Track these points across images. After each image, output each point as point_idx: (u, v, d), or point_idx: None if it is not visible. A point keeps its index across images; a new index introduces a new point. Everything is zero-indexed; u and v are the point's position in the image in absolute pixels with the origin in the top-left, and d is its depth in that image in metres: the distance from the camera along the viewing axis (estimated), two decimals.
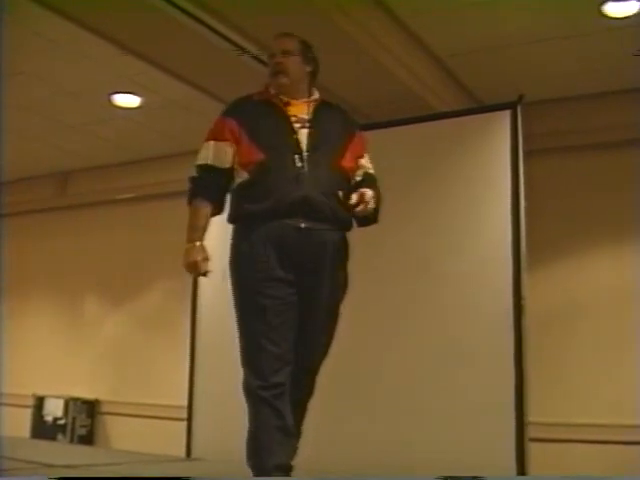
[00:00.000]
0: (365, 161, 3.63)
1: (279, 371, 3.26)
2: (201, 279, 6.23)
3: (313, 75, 3.65)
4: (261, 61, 5.52)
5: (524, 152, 5.29)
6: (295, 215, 3.31)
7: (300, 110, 3.50)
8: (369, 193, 3.37)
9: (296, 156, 3.35)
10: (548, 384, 6.12)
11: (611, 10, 5.30)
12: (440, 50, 5.95)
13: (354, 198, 3.33)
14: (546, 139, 6.51)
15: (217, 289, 6.19)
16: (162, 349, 8.35)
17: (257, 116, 3.50)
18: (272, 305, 3.31)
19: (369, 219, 3.50)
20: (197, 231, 3.70)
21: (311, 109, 3.52)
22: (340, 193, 3.39)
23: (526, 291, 5.11)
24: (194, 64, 5.81)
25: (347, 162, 3.50)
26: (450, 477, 3.79)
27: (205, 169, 3.52)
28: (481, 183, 5.49)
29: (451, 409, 5.14)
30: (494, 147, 5.39)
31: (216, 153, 3.47)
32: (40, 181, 9.29)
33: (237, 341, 5.92)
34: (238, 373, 5.42)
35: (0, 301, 8.70)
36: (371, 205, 3.37)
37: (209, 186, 3.56)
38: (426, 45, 5.87)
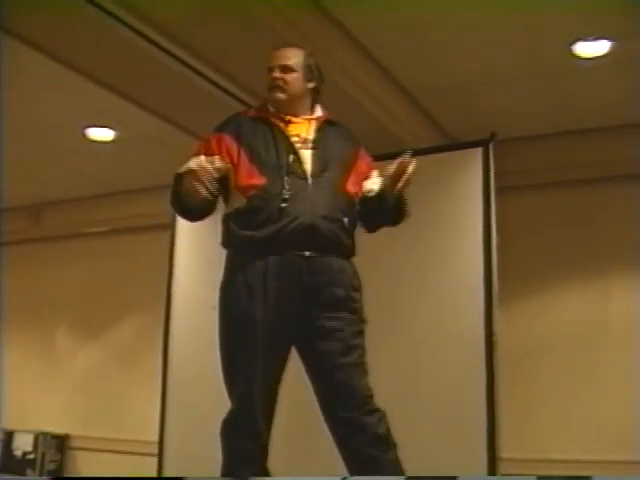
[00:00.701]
0: (374, 180, 3.34)
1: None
2: (174, 312, 6.29)
3: (317, 91, 3.43)
4: (235, 97, 5.57)
5: (496, 188, 5.33)
6: (298, 243, 3.06)
7: (302, 129, 3.27)
8: (411, 166, 3.09)
9: (300, 180, 3.11)
10: (520, 419, 6.13)
11: (581, 50, 5.38)
12: (414, 87, 6.00)
13: (392, 168, 3.11)
14: (518, 176, 6.58)
15: (190, 323, 6.20)
16: (134, 383, 8.29)
17: (256, 135, 3.24)
18: (264, 342, 3.06)
19: (394, 214, 3.31)
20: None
21: (314, 128, 3.29)
22: (346, 220, 3.16)
23: (498, 326, 5.13)
24: (168, 99, 5.83)
25: (352, 185, 3.25)
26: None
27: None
28: (454, 219, 5.52)
29: (420, 441, 5.13)
30: (467, 184, 5.43)
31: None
32: (13, 213, 9.23)
33: (209, 377, 5.91)
34: (210, 408, 5.38)
35: None
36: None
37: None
38: (400, 82, 5.92)
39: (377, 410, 3.06)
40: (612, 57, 5.44)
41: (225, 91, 5.50)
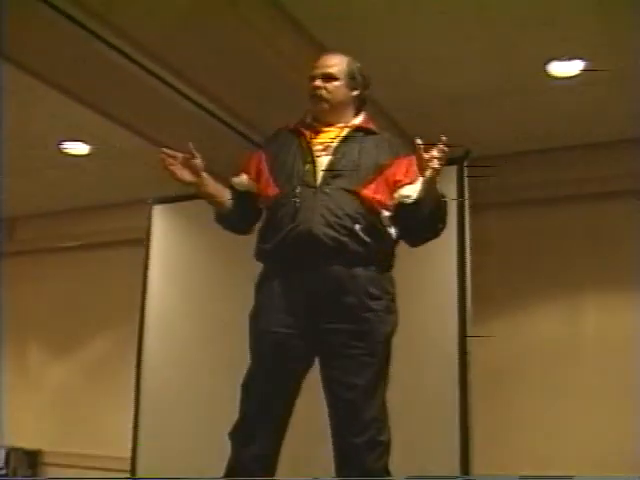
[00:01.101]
0: (415, 188, 3.14)
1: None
2: (147, 327, 6.26)
3: (361, 99, 3.37)
4: (210, 113, 5.57)
5: (470, 207, 5.35)
6: (299, 253, 3.01)
7: (330, 136, 3.21)
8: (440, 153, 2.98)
9: (309, 189, 3.06)
10: (493, 439, 6.15)
11: (555, 69, 5.42)
12: (387, 104, 6.02)
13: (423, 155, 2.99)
14: (492, 194, 6.61)
15: (163, 338, 6.18)
16: (107, 399, 8.25)
17: (284, 148, 3.26)
18: (278, 360, 3.07)
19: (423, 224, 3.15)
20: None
21: (342, 136, 3.21)
22: (357, 226, 3.00)
23: (471, 345, 5.13)
24: (143, 114, 5.82)
25: (373, 192, 3.08)
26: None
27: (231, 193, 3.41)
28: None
29: (394, 459, 5.12)
30: None
31: (235, 180, 3.42)
32: None
33: (183, 393, 5.89)
34: (183, 424, 5.38)
35: None
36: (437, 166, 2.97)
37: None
38: (373, 98, 5.93)
39: (381, 443, 2.99)
40: (585, 77, 5.49)
41: (200, 107, 5.50)
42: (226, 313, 5.83)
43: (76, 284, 8.89)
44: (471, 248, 5.22)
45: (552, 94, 5.83)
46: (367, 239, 3.02)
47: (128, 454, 6.26)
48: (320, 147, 3.18)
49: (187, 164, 3.27)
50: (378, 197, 3.10)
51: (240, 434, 3.12)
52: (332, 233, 2.98)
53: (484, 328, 6.19)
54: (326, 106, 3.25)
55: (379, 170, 3.14)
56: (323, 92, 3.24)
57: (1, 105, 5.64)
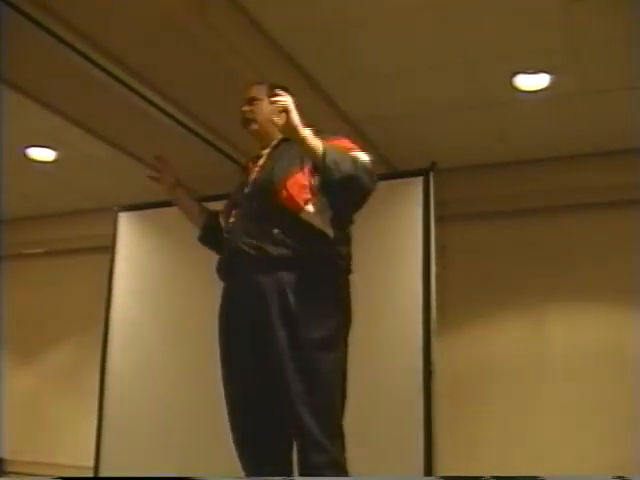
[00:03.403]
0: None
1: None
2: (112, 336, 6.22)
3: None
4: (178, 121, 5.56)
5: (436, 218, 5.37)
6: (228, 267, 3.19)
7: (264, 157, 3.36)
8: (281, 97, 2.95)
9: (235, 209, 3.28)
10: (457, 448, 6.17)
11: (522, 83, 5.48)
12: (355, 115, 6.05)
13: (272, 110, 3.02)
14: (457, 206, 6.65)
15: (128, 347, 6.14)
16: (70, 407, 8.21)
17: (238, 186, 3.46)
18: (229, 374, 3.18)
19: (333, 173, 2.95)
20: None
21: (269, 151, 3.36)
22: (276, 230, 3.03)
23: (436, 355, 5.14)
24: (110, 121, 5.81)
25: (289, 190, 3.10)
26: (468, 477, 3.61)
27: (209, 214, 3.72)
28: (394, 247, 5.53)
29: (359, 467, 5.12)
30: (406, 213, 5.45)
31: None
32: None
33: (147, 402, 5.86)
34: (146, 433, 5.35)
35: None
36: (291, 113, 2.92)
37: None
38: (341, 110, 5.96)
39: (327, 451, 2.95)
40: (551, 90, 5.54)
41: (168, 115, 5.48)
42: (191, 320, 5.81)
43: (40, 291, 8.83)
44: (436, 259, 5.24)
45: (518, 107, 5.88)
46: (288, 240, 3.04)
47: (91, 463, 6.21)
48: (256, 169, 3.35)
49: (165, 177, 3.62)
50: (294, 193, 3.10)
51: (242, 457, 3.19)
52: (254, 242, 3.07)
53: (449, 338, 6.24)
54: (255, 126, 3.42)
55: (296, 168, 3.16)
56: (248, 114, 3.43)
57: None
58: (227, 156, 6.15)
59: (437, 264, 5.21)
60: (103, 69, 4.82)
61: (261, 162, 3.35)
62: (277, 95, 2.97)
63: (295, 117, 2.93)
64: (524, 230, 6.89)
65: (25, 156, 6.96)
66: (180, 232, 6.14)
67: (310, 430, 2.91)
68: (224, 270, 3.26)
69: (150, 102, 5.29)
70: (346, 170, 2.94)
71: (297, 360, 2.95)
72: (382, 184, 5.81)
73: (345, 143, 3.17)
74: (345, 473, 3.00)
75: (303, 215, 3.08)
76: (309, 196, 3.11)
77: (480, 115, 6.02)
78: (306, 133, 2.95)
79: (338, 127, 5.94)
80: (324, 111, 5.75)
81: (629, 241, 6.41)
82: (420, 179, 5.39)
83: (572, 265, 6.63)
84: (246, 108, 3.44)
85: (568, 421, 6.36)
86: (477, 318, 6.91)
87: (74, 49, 4.58)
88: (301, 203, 3.08)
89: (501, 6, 4.53)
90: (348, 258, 3.23)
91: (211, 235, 3.57)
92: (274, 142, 3.36)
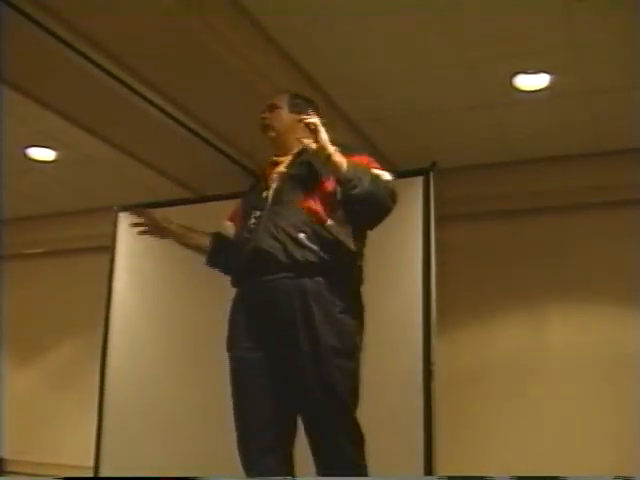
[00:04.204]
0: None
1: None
2: (112, 335, 6.22)
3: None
4: (180, 122, 5.56)
5: (436, 218, 5.36)
6: (249, 270, 3.17)
7: (284, 164, 3.38)
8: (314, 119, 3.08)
9: (257, 212, 3.25)
10: (457, 448, 6.17)
11: (522, 83, 5.48)
12: (356, 115, 6.05)
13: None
14: (458, 205, 6.65)
15: (128, 346, 6.14)
16: (70, 407, 8.20)
17: (250, 191, 3.51)
18: (241, 375, 3.17)
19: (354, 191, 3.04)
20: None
21: (291, 160, 3.38)
22: (302, 235, 3.07)
23: (435, 356, 5.14)
24: (111, 121, 5.81)
25: (314, 203, 3.16)
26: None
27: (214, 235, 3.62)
28: (393, 247, 5.53)
29: None
30: (406, 212, 5.43)
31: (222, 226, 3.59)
32: None
33: (147, 401, 5.86)
34: (146, 433, 5.34)
35: None
36: (322, 135, 3.05)
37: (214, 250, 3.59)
38: (342, 110, 5.96)
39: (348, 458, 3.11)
40: (551, 90, 5.54)
41: (168, 115, 5.48)
42: (190, 320, 5.82)
43: (40, 291, 8.82)
44: (436, 259, 5.24)
45: (518, 107, 5.88)
46: (314, 246, 3.07)
47: (91, 463, 6.21)
48: (276, 176, 3.36)
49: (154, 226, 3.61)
50: (318, 208, 3.16)
51: (242, 455, 3.19)
52: (277, 244, 3.09)
53: (449, 338, 6.24)
54: (273, 134, 3.45)
55: (319, 182, 3.22)
56: (267, 121, 3.46)
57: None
58: (227, 156, 6.15)
59: (437, 264, 5.21)
60: (103, 69, 4.82)
61: (281, 169, 3.36)
62: (306, 115, 3.13)
63: (324, 136, 3.06)
64: (524, 230, 6.89)
65: (25, 156, 6.96)
66: None
67: (331, 438, 3.06)
68: (243, 270, 3.23)
69: (150, 102, 5.28)
70: (366, 187, 3.03)
71: (317, 365, 3.01)
72: None
73: (367, 160, 3.24)
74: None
75: (328, 226, 3.13)
76: (332, 209, 3.16)
77: (480, 115, 6.02)
78: (332, 150, 3.06)
79: (338, 127, 5.94)
80: (324, 111, 5.74)
81: (629, 241, 6.41)
82: (420, 179, 5.39)
83: (572, 265, 6.63)
84: (266, 115, 3.46)
85: (568, 421, 6.36)
86: (477, 318, 6.91)
87: (74, 49, 4.58)
88: (324, 216, 3.13)
89: (501, 6, 4.53)
90: (361, 270, 3.32)
91: (220, 256, 3.55)
92: (295, 150, 3.38)
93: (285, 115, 3.44)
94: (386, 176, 3.16)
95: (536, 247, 6.84)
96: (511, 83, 5.50)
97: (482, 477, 3.71)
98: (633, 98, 5.60)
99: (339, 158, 3.06)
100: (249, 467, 3.12)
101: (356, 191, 3.02)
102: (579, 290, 6.62)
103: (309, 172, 3.25)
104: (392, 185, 3.16)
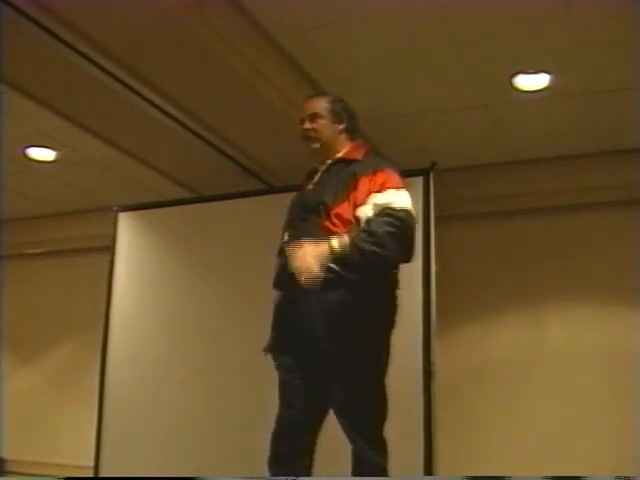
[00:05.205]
0: (377, 199, 3.18)
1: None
2: (111, 335, 6.22)
3: (349, 130, 3.47)
4: (179, 121, 5.56)
5: (436, 217, 5.37)
6: (281, 287, 3.28)
7: (316, 177, 3.39)
8: (302, 251, 3.04)
9: (290, 229, 3.31)
10: (457, 448, 6.17)
11: (521, 83, 5.48)
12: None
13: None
14: (458, 205, 6.65)
15: (127, 346, 6.14)
16: (70, 407, 8.20)
17: (292, 204, 3.50)
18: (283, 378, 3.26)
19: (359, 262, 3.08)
20: None
21: (322, 172, 3.39)
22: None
23: (436, 356, 5.14)
24: (110, 121, 5.81)
25: (333, 222, 3.19)
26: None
27: None
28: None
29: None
30: None
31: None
32: None
33: (146, 401, 5.86)
34: (146, 432, 5.33)
35: None
36: (313, 267, 3.01)
37: None
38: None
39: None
40: (551, 90, 5.54)
41: (168, 115, 5.48)
42: (190, 320, 5.82)
43: (40, 291, 8.82)
44: (436, 259, 5.24)
45: (518, 107, 5.87)
46: (334, 267, 3.07)
47: (91, 463, 6.21)
48: (310, 188, 3.38)
49: None
50: (337, 225, 3.18)
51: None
52: (302, 266, 3.06)
53: (449, 338, 6.24)
54: (317, 145, 3.40)
55: (342, 198, 3.22)
56: (311, 132, 3.40)
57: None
58: (227, 156, 6.15)
59: (437, 264, 5.21)
60: (103, 69, 4.82)
61: (315, 180, 3.39)
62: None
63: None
64: (524, 230, 6.89)
65: (25, 156, 6.95)
66: (180, 232, 6.17)
67: (356, 441, 3.14)
68: (279, 285, 3.32)
69: (150, 102, 5.28)
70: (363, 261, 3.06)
71: (341, 367, 3.12)
72: None
73: (383, 180, 3.25)
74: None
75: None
76: (351, 227, 3.17)
77: (480, 115, 6.02)
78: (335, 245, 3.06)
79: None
80: None
81: (629, 241, 6.41)
82: (420, 179, 5.39)
83: (572, 265, 6.63)
84: (308, 126, 3.42)
85: (568, 420, 6.36)
86: (477, 318, 6.91)
87: (74, 49, 4.58)
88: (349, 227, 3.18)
89: (501, 6, 4.53)
90: (394, 276, 3.31)
91: None
92: (329, 162, 3.39)
93: (329, 125, 3.42)
94: (398, 203, 3.17)
95: (536, 247, 6.84)
96: (511, 83, 5.50)
97: (479, 477, 3.72)
98: (633, 98, 5.59)
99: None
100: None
101: (359, 262, 3.06)
102: (579, 290, 6.62)
103: (330, 189, 3.24)
104: (405, 214, 3.16)
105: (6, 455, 8.50)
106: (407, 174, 5.61)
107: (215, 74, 4.96)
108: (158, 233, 6.23)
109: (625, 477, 3.50)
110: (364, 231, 3.08)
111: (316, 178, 3.39)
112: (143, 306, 6.19)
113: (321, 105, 3.45)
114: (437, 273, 5.22)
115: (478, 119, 6.08)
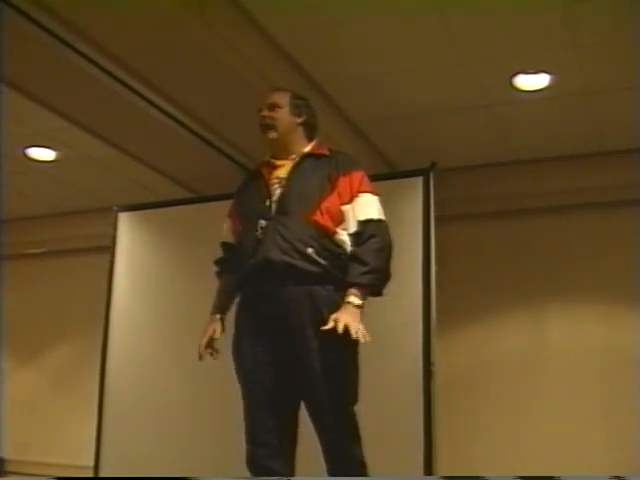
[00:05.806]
0: (358, 206, 3.27)
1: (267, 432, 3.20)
2: (111, 335, 6.22)
3: (307, 126, 3.48)
4: (179, 122, 5.56)
5: (436, 217, 5.37)
6: (257, 279, 3.20)
7: (285, 170, 3.35)
8: (343, 321, 3.02)
9: (262, 221, 3.23)
10: (458, 447, 6.17)
11: (521, 83, 5.48)
12: (356, 116, 6.05)
13: (329, 324, 3.03)
14: (458, 205, 6.65)
15: (128, 347, 6.14)
16: (70, 407, 8.20)
17: (245, 190, 3.50)
18: (250, 374, 3.27)
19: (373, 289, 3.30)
20: (215, 304, 3.58)
21: (292, 166, 3.36)
22: (310, 250, 3.12)
23: (436, 356, 5.14)
24: (110, 121, 5.81)
25: (323, 216, 3.21)
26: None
27: (223, 246, 3.57)
28: (394, 247, 5.53)
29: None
30: (406, 212, 5.44)
31: (224, 230, 3.57)
32: None
33: (146, 401, 5.86)
34: (146, 433, 5.32)
35: None
36: (347, 325, 3.03)
37: (226, 261, 3.54)
38: (342, 110, 5.96)
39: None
40: (551, 90, 5.54)
41: (168, 115, 5.48)
42: (190, 320, 5.80)
43: (40, 291, 8.82)
44: (436, 259, 5.24)
45: (518, 107, 5.87)
46: (322, 261, 3.15)
47: (91, 463, 6.21)
48: (276, 181, 3.35)
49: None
50: (325, 221, 3.22)
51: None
52: (286, 259, 3.13)
53: (449, 338, 6.24)
54: (274, 134, 3.40)
55: (327, 191, 3.27)
56: (268, 120, 3.41)
57: None
58: (227, 156, 6.15)
59: (437, 264, 5.21)
60: (103, 69, 4.81)
61: (281, 174, 3.36)
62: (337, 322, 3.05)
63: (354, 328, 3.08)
64: (524, 230, 6.89)
65: (25, 156, 6.95)
66: (180, 232, 6.17)
67: (330, 427, 3.22)
68: (250, 278, 3.26)
69: (150, 102, 5.28)
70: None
71: (322, 353, 3.11)
72: (381, 184, 5.83)
73: (359, 183, 3.33)
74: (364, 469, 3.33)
75: (336, 238, 3.22)
76: (338, 221, 3.24)
77: (480, 115, 6.02)
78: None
79: (338, 127, 5.95)
80: (324, 111, 5.75)
81: (629, 241, 6.40)
82: (420, 179, 5.39)
83: (572, 265, 6.63)
84: (266, 113, 3.42)
85: (568, 421, 6.36)
86: (477, 318, 6.91)
87: (74, 49, 4.57)
88: (331, 230, 3.21)
89: (501, 6, 4.53)
90: None
91: (226, 264, 3.57)
92: (296, 156, 3.40)
93: (287, 116, 3.43)
94: (377, 214, 3.33)
95: (536, 247, 6.84)
96: (511, 83, 5.50)
97: (478, 477, 3.72)
98: (633, 98, 5.59)
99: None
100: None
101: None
102: (579, 290, 6.62)
103: (312, 183, 3.28)
104: (385, 228, 3.35)
105: (6, 455, 8.51)
106: (407, 174, 5.68)
107: (215, 74, 4.96)
108: (158, 233, 6.23)
109: (621, 477, 3.49)
110: (359, 262, 3.18)
111: (283, 173, 3.35)
112: (143, 306, 6.19)
113: (281, 97, 3.47)
114: (437, 273, 5.22)
115: (478, 119, 6.09)
